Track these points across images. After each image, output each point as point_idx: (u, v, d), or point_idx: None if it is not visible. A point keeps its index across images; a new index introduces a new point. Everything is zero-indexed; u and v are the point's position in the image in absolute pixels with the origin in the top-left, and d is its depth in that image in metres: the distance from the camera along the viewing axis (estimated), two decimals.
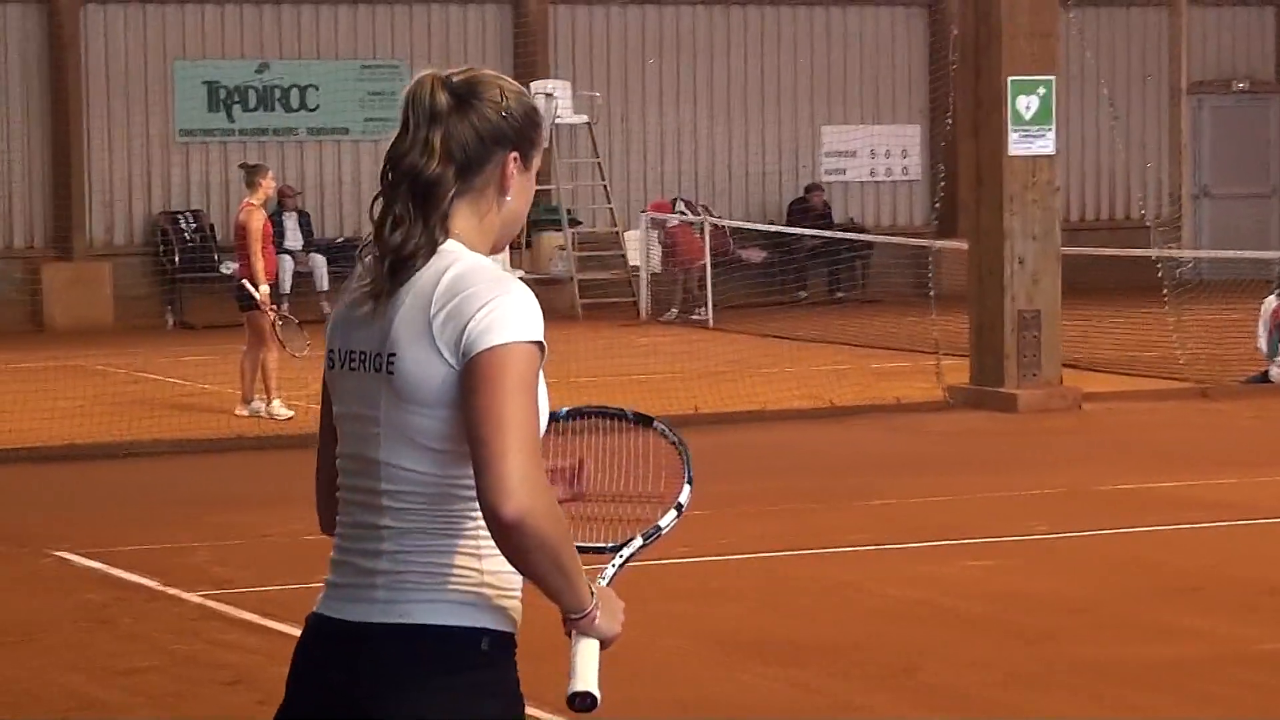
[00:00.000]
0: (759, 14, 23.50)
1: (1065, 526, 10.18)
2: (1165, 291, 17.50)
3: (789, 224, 22.08)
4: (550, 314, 2.86)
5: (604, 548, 2.96)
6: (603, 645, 2.79)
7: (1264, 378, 15.72)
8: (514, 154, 2.67)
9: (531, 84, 22.16)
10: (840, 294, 22.46)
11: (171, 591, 8.96)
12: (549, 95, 21.83)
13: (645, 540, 2.95)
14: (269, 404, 14.38)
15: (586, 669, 2.74)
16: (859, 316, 20.31)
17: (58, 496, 11.90)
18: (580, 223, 21.46)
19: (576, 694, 2.71)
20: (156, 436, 13.71)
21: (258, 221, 14.51)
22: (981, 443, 13.29)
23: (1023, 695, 7.13)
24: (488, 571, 2.66)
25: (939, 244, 18.84)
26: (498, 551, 2.60)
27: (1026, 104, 14.41)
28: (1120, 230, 23.47)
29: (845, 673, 7.49)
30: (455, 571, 2.67)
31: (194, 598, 8.87)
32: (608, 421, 3.10)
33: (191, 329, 20.15)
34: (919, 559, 9.58)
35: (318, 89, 21.40)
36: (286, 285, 21.30)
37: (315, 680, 2.80)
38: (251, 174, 15.12)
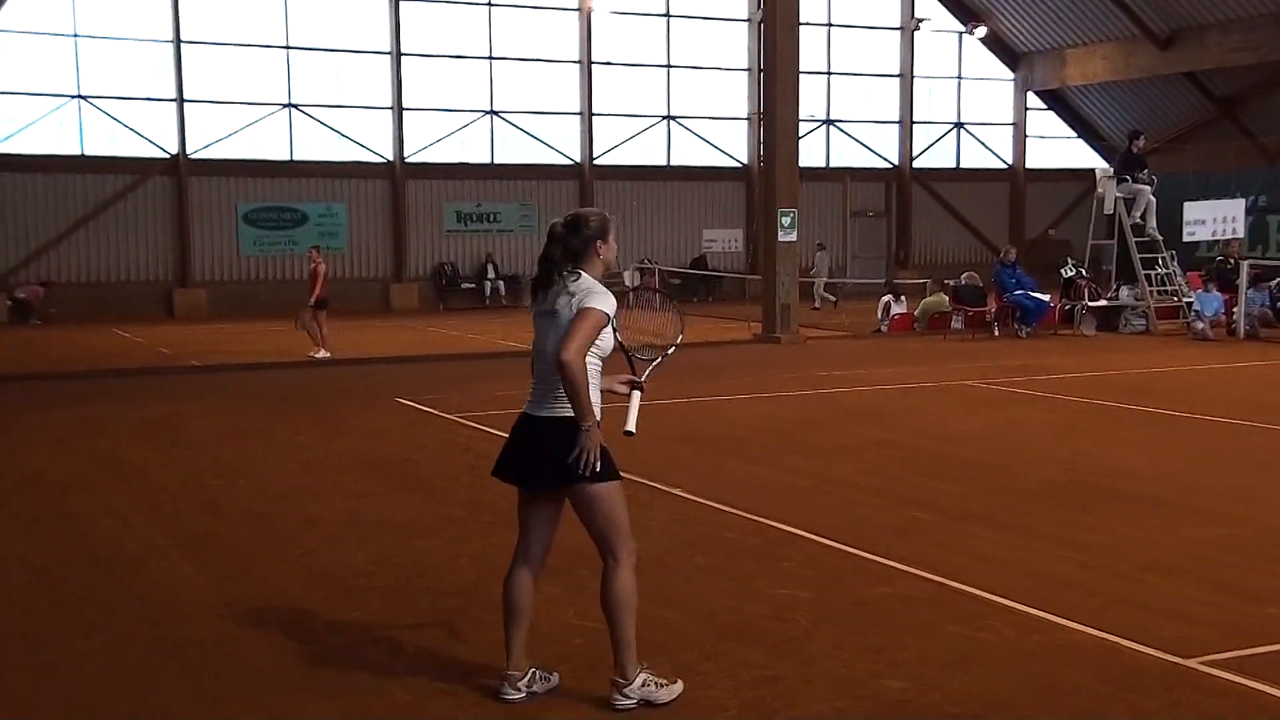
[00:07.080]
0: (683, 188, 28.13)
1: (801, 389, 12.21)
2: (834, 301, 20.83)
3: (691, 267, 25.65)
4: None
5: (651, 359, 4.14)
6: (582, 432, 3.85)
7: (879, 331, 18.92)
8: (599, 241, 3.86)
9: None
10: (710, 298, 26.72)
11: (445, 415, 10.62)
12: None
13: (664, 357, 4.17)
14: (319, 353, 15.20)
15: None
16: (717, 307, 23.94)
17: (396, 378, 13.59)
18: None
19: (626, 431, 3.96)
20: (441, 352, 16.11)
21: (321, 268, 15.29)
22: (767, 357, 15.82)
23: (783, 455, 8.44)
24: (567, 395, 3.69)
25: (750, 277, 22.63)
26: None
27: (786, 220, 17.72)
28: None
29: (686, 444, 8.32)
30: (561, 395, 3.86)
31: (458, 417, 10.60)
32: (660, 298, 4.39)
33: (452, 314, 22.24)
34: (740, 403, 11.20)
35: (500, 213, 26.58)
36: (488, 292, 24.22)
37: (516, 438, 4.00)
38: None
